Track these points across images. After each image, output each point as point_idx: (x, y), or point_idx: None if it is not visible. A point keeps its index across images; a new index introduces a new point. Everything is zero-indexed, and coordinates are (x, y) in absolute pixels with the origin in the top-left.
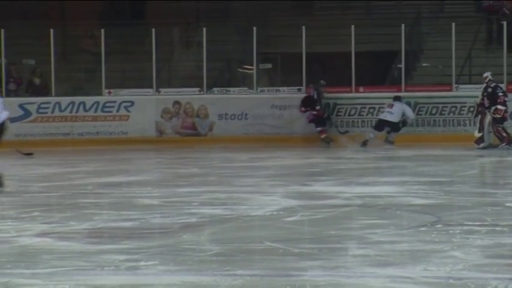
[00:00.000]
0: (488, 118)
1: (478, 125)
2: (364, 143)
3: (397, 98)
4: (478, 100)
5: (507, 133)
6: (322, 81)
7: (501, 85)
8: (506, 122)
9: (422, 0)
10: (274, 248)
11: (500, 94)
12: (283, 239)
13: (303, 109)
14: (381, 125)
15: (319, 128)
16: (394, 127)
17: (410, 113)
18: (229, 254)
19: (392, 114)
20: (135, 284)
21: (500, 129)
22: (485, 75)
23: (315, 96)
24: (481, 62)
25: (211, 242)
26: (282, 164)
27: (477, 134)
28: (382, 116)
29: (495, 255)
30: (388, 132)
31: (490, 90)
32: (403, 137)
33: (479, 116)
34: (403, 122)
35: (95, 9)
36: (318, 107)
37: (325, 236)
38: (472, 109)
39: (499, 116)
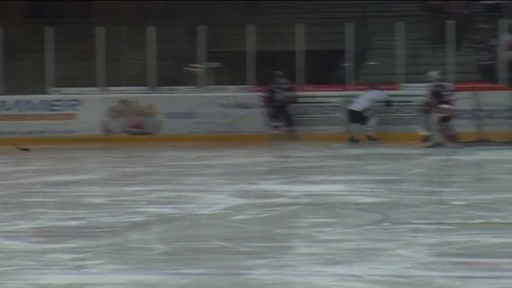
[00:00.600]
0: (435, 117)
1: (424, 124)
2: (352, 140)
3: (372, 87)
4: (425, 99)
5: (453, 131)
6: (278, 72)
7: (447, 84)
8: (451, 121)
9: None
10: (222, 246)
11: (446, 93)
12: (231, 238)
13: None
14: (349, 116)
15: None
16: (357, 117)
17: (381, 97)
18: (176, 253)
19: (355, 104)
20: (82, 283)
21: (446, 127)
22: (431, 73)
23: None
24: (427, 60)
25: (158, 240)
26: (230, 163)
27: (422, 133)
28: (348, 106)
29: (441, 254)
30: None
31: (435, 89)
32: (348, 136)
33: (426, 115)
34: (388, 104)
35: (41, 8)
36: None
37: (272, 235)
38: (419, 108)
39: (445, 115)
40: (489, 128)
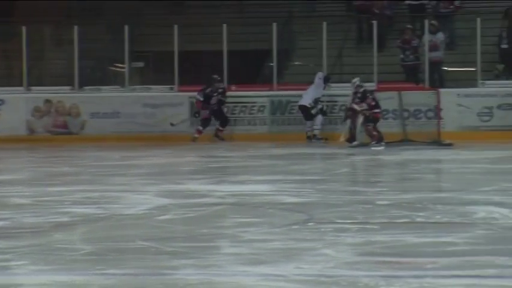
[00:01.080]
0: (360, 118)
1: (345, 128)
2: (310, 138)
3: (326, 79)
4: (348, 105)
5: (378, 131)
6: (215, 76)
7: (370, 87)
8: (377, 122)
9: (294, 0)
10: (147, 246)
11: (370, 98)
12: (156, 238)
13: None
14: (302, 113)
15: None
16: (306, 112)
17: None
18: (101, 253)
19: (302, 98)
20: (6, 284)
21: (370, 128)
22: (353, 80)
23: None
24: (351, 61)
25: (83, 241)
26: (155, 163)
27: (342, 139)
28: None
29: (366, 253)
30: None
31: (359, 95)
32: (274, 136)
33: (348, 120)
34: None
35: None
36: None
37: (197, 235)
38: (343, 107)
39: (370, 116)
40: (412, 128)
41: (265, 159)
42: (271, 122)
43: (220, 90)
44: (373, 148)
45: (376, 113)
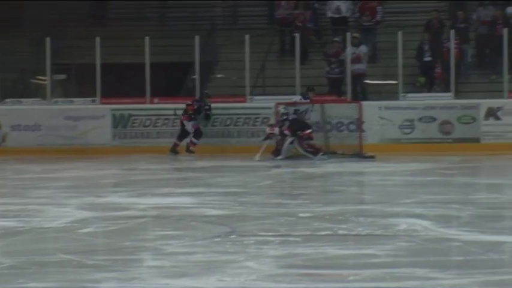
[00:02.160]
0: (289, 139)
1: (261, 149)
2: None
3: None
4: (275, 131)
5: (315, 146)
6: (206, 92)
7: (303, 108)
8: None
9: (217, 12)
10: (68, 260)
11: (301, 116)
12: (77, 251)
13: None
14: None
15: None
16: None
17: None
18: (22, 267)
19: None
20: None
21: (307, 145)
22: (280, 109)
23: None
24: (274, 73)
25: (3, 254)
26: (77, 176)
27: (257, 159)
28: None
29: (288, 265)
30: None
31: (288, 123)
32: (197, 148)
33: (268, 140)
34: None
35: None
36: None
37: (119, 248)
38: (265, 120)
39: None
40: (335, 141)
41: (188, 171)
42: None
43: (207, 107)
44: (317, 160)
45: (308, 133)
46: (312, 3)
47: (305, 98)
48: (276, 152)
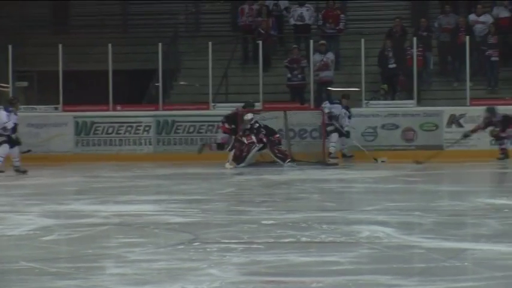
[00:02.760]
0: (256, 147)
1: (230, 157)
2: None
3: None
4: (253, 139)
5: (284, 152)
6: (249, 101)
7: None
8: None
9: (179, 20)
10: (30, 267)
11: (262, 134)
12: (40, 259)
13: (227, 126)
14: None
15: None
16: None
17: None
18: None
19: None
20: None
21: (278, 150)
22: (249, 117)
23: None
24: (237, 80)
25: None
26: (39, 183)
27: (228, 166)
28: None
29: (251, 273)
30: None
31: (255, 131)
32: (160, 156)
33: (233, 150)
34: None
35: None
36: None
37: (82, 255)
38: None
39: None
40: (298, 148)
41: (151, 179)
42: (156, 141)
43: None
44: (286, 166)
45: (278, 137)
46: (276, 10)
47: (333, 103)
48: (239, 160)
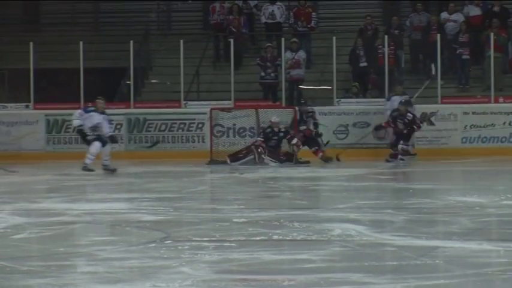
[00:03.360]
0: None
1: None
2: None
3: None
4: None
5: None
6: (302, 100)
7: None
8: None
9: (151, 18)
10: (1, 266)
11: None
12: (11, 257)
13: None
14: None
15: (313, 148)
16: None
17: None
18: None
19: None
20: None
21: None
22: (277, 120)
23: (298, 117)
24: (209, 78)
25: None
26: (10, 181)
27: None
28: None
29: (223, 271)
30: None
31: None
32: (131, 154)
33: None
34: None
35: None
36: (303, 127)
37: (53, 253)
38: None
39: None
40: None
41: (122, 177)
42: (128, 139)
43: (310, 114)
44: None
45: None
46: (247, 8)
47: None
48: (234, 158)
